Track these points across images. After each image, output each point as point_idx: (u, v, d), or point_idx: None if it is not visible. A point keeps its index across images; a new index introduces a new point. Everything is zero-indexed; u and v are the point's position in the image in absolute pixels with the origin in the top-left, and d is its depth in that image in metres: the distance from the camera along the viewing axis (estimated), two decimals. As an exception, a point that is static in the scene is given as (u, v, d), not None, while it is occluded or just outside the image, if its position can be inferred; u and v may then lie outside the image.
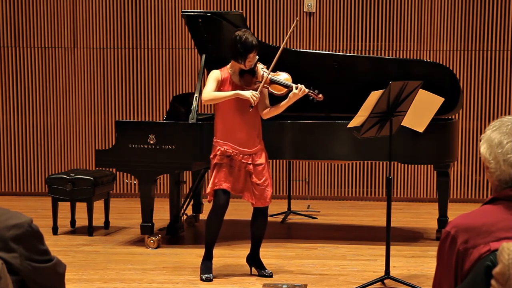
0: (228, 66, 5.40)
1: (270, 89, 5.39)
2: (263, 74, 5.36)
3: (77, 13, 8.82)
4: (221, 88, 5.31)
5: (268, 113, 5.44)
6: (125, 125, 6.50)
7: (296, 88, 5.28)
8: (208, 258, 5.48)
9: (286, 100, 5.33)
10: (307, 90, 5.31)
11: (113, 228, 7.14)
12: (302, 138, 6.35)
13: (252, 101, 5.19)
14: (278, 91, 5.39)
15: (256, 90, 5.30)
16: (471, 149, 8.65)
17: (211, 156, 5.40)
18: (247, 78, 5.38)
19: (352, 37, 8.66)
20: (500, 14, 8.47)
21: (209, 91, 5.24)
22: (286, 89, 5.36)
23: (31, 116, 8.98)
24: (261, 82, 5.33)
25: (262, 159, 5.40)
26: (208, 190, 5.37)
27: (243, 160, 5.34)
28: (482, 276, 2.11)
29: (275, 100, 5.46)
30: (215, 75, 5.32)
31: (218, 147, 5.34)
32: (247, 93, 5.22)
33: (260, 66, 5.40)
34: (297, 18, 5.77)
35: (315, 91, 5.35)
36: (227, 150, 5.32)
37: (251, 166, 5.35)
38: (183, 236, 6.90)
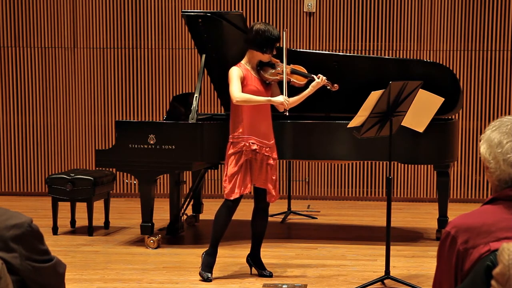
0: (244, 62, 5.41)
1: (292, 80, 5.46)
2: (282, 66, 5.42)
3: (77, 13, 8.83)
4: (243, 83, 5.30)
5: (288, 104, 5.44)
6: (125, 125, 6.50)
7: (318, 78, 5.41)
8: (212, 253, 5.46)
9: (308, 89, 5.44)
10: (326, 80, 5.45)
11: (113, 228, 7.14)
12: (302, 138, 6.35)
13: (286, 105, 5.24)
14: (300, 81, 5.50)
15: (277, 81, 5.42)
16: (471, 149, 8.65)
17: (232, 151, 5.33)
18: (268, 71, 5.41)
19: (352, 37, 8.66)
20: (500, 14, 8.47)
21: (239, 91, 5.23)
22: (306, 79, 5.49)
23: (31, 116, 8.98)
24: (282, 74, 5.38)
25: (275, 155, 5.46)
26: (229, 188, 5.31)
27: (265, 153, 5.36)
28: (482, 276, 2.11)
29: (293, 91, 5.49)
30: (238, 73, 5.30)
31: (243, 143, 5.31)
32: (280, 98, 5.27)
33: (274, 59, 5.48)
34: (285, 29, 5.79)
35: (329, 81, 5.53)
36: (252, 144, 5.32)
37: (271, 161, 5.39)
38: (183, 236, 6.90)
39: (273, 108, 5.47)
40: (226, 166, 5.38)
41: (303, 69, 5.58)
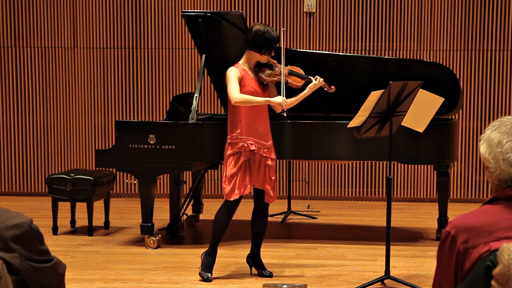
0: (242, 62, 5.41)
1: (289, 81, 5.47)
2: (280, 67, 5.43)
3: (77, 13, 8.83)
4: (241, 83, 5.30)
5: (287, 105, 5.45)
6: (125, 125, 6.50)
7: (315, 79, 5.43)
8: (212, 254, 5.46)
9: (306, 91, 5.45)
10: (323, 81, 5.47)
11: (113, 228, 7.14)
12: (302, 138, 6.35)
13: (284, 105, 5.25)
14: (297, 82, 5.51)
15: (275, 83, 5.45)
16: (471, 149, 8.65)
17: (231, 152, 5.33)
18: (265, 72, 5.41)
19: (352, 37, 8.66)
20: (500, 14, 8.47)
21: (238, 92, 5.22)
22: (303, 81, 5.50)
23: (31, 116, 8.98)
24: (280, 75, 5.39)
25: (274, 155, 5.46)
26: (229, 189, 5.30)
27: (263, 154, 5.36)
28: (482, 276, 2.11)
29: (290, 92, 5.50)
30: (235, 73, 5.29)
31: (242, 143, 5.31)
32: (278, 99, 5.28)
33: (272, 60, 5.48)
34: (283, 29, 5.79)
35: (326, 82, 5.54)
36: (251, 145, 5.32)
37: (270, 161, 5.39)
38: (183, 236, 6.91)
39: (270, 108, 5.47)
40: (225, 167, 5.37)
41: (300, 71, 5.58)
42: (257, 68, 5.41)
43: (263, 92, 5.39)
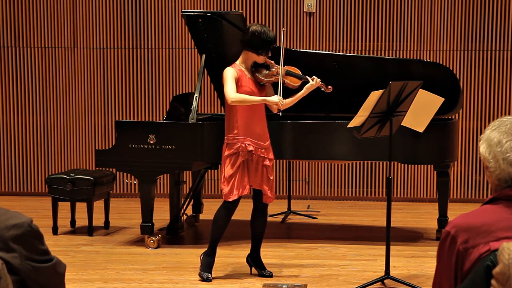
0: (238, 62, 5.40)
1: (286, 81, 5.47)
2: (277, 67, 5.42)
3: (77, 13, 8.83)
4: (238, 84, 5.30)
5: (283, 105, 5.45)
6: (125, 125, 6.50)
7: (312, 79, 5.43)
8: (212, 254, 5.46)
9: (302, 91, 5.44)
10: (320, 82, 5.46)
11: (113, 228, 7.14)
12: (302, 138, 6.35)
13: (280, 105, 5.25)
14: (294, 83, 5.51)
15: (272, 83, 5.44)
16: (471, 149, 8.65)
17: (228, 153, 5.33)
18: (262, 72, 5.41)
19: (352, 37, 8.66)
20: (500, 14, 8.47)
21: (235, 91, 5.22)
22: (300, 81, 5.50)
23: (31, 116, 8.98)
24: (277, 75, 5.39)
25: (272, 155, 5.46)
26: (228, 189, 5.30)
27: (261, 155, 5.36)
28: (482, 276, 2.11)
29: (287, 93, 5.50)
30: (232, 73, 5.29)
31: (239, 144, 5.31)
32: (274, 98, 5.28)
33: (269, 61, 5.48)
34: (283, 29, 5.79)
35: (323, 83, 5.54)
36: (249, 145, 5.32)
37: (267, 162, 5.38)
38: (183, 236, 6.91)
39: (267, 109, 5.47)
40: (223, 168, 5.37)
41: (297, 71, 5.57)
42: (254, 68, 5.41)
43: (259, 93, 5.38)
